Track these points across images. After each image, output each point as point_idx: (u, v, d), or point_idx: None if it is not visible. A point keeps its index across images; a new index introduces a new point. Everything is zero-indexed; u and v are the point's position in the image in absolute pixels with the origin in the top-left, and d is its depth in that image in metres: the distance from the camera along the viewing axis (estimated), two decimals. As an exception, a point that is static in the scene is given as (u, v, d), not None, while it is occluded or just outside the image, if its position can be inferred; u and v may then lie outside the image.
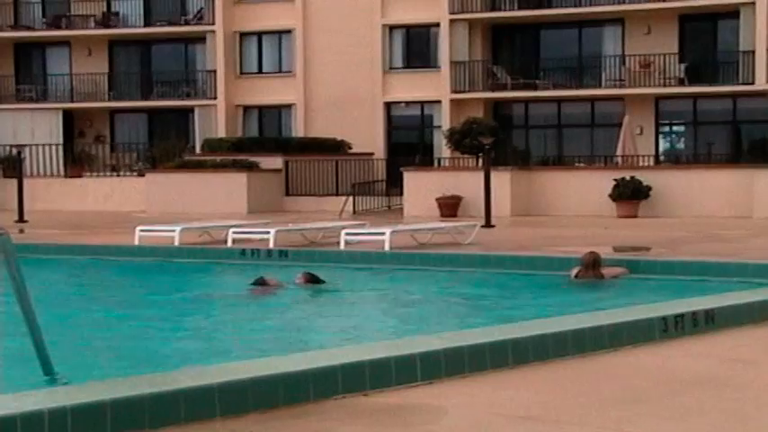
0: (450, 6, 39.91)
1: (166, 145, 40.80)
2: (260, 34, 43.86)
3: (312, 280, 15.58)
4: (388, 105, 41.97)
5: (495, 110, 41.12)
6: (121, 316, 13.91)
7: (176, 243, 20.85)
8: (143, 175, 37.45)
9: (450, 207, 30.57)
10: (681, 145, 41.08)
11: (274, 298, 14.94)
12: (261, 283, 15.35)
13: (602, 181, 30.12)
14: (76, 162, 40.43)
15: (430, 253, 19.13)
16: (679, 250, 19.14)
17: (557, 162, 38.85)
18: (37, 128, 43.13)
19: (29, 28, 46.32)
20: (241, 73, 44.02)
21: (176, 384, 6.89)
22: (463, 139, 33.34)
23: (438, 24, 40.44)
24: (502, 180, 29.62)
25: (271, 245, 19.96)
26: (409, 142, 42.04)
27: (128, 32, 45.20)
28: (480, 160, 31.51)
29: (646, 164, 34.58)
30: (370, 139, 40.81)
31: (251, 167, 35.69)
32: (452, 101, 40.14)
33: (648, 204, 29.63)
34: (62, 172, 39.80)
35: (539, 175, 31.91)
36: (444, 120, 39.74)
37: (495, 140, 29.04)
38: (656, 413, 7.04)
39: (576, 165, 36.49)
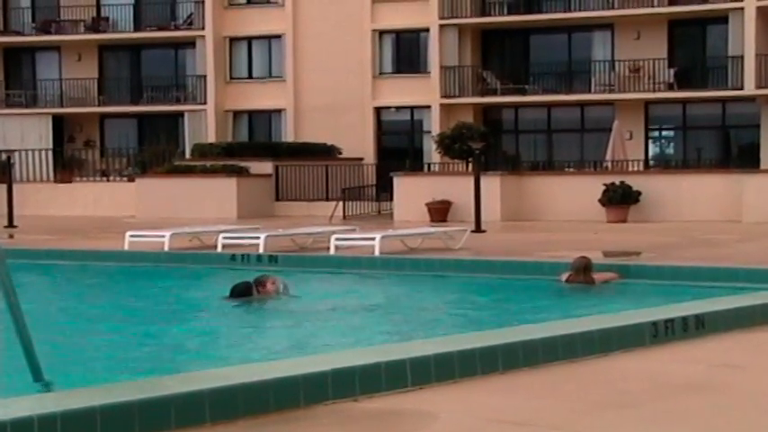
0: (439, 11, 39.93)
1: (156, 150, 40.75)
2: (250, 39, 43.83)
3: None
4: (378, 110, 41.98)
5: (485, 115, 41.14)
6: (110, 321, 13.88)
7: (166, 248, 20.83)
8: (133, 180, 37.39)
9: (440, 212, 30.57)
10: (670, 150, 41.15)
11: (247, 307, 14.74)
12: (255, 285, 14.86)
13: (592, 186, 30.13)
14: (66, 167, 40.36)
15: (420, 258, 19.13)
16: (669, 255, 19.17)
17: (547, 167, 38.88)
18: (26, 133, 43.04)
19: (18, 33, 46.26)
20: (231, 78, 43.99)
21: (166, 390, 6.89)
22: (453, 144, 33.37)
23: (428, 29, 40.45)
24: (492, 185, 29.62)
25: (261, 250, 19.94)
26: (399, 147, 42.05)
27: (117, 37, 45.14)
28: (470, 165, 31.52)
29: (635, 169, 34.63)
30: (360, 144, 40.80)
31: (241, 172, 35.66)
32: (442, 106, 40.15)
33: (638, 209, 29.66)
34: (52, 177, 39.71)
35: (529, 180, 31.93)
36: (434, 125, 39.75)
37: (485, 145, 29.08)
38: (646, 418, 7.05)
39: (566, 170, 36.53)
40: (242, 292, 14.70)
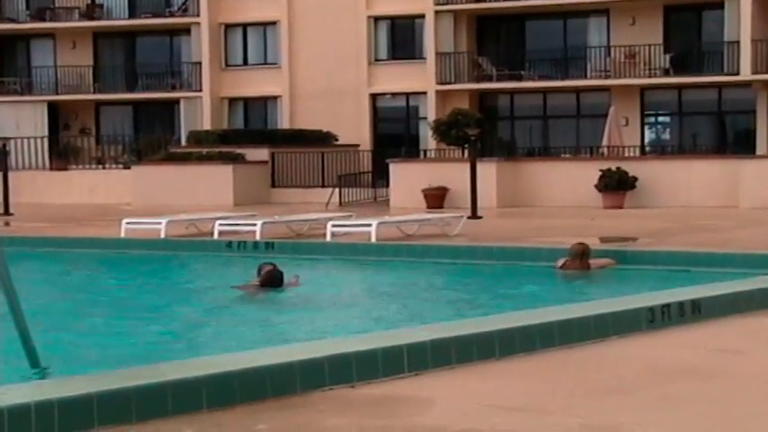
0: (435, -3, 39.89)
1: (152, 137, 40.71)
2: (245, 26, 43.74)
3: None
4: (374, 97, 41.91)
5: (481, 101, 41.11)
6: (106, 309, 13.88)
7: (162, 235, 20.83)
8: (129, 168, 37.36)
9: (436, 198, 30.56)
10: (666, 135, 41.14)
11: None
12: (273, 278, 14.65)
13: (589, 172, 30.13)
14: (62, 155, 40.31)
15: (416, 244, 19.13)
16: (665, 241, 19.18)
17: (543, 153, 38.87)
18: (22, 120, 42.98)
19: (13, 20, 46.10)
20: (226, 65, 43.91)
21: (163, 377, 6.89)
22: (449, 131, 33.33)
23: (423, 16, 40.38)
24: (488, 171, 29.59)
25: (257, 237, 19.94)
26: (395, 134, 42.00)
27: (112, 24, 45.04)
28: (466, 151, 31.51)
29: (631, 154, 34.62)
30: (355, 130, 40.77)
31: (237, 159, 35.64)
32: (438, 92, 40.11)
33: (634, 195, 29.66)
34: (47, 165, 39.67)
35: (525, 167, 31.91)
36: (430, 111, 39.72)
37: (480, 132, 29.04)
38: (643, 403, 7.05)
39: (562, 156, 36.52)
40: (277, 281, 14.55)
